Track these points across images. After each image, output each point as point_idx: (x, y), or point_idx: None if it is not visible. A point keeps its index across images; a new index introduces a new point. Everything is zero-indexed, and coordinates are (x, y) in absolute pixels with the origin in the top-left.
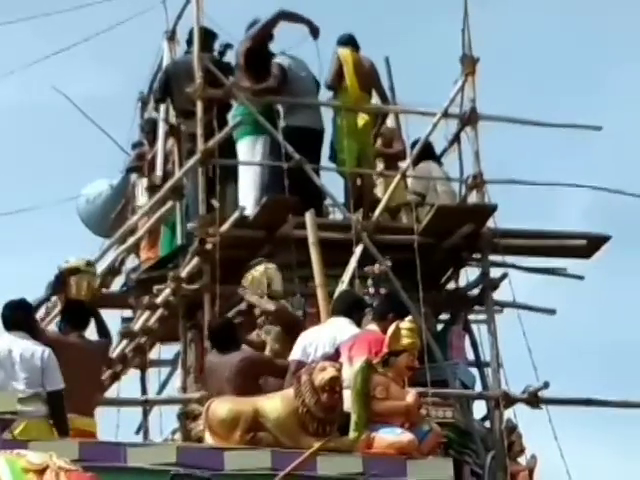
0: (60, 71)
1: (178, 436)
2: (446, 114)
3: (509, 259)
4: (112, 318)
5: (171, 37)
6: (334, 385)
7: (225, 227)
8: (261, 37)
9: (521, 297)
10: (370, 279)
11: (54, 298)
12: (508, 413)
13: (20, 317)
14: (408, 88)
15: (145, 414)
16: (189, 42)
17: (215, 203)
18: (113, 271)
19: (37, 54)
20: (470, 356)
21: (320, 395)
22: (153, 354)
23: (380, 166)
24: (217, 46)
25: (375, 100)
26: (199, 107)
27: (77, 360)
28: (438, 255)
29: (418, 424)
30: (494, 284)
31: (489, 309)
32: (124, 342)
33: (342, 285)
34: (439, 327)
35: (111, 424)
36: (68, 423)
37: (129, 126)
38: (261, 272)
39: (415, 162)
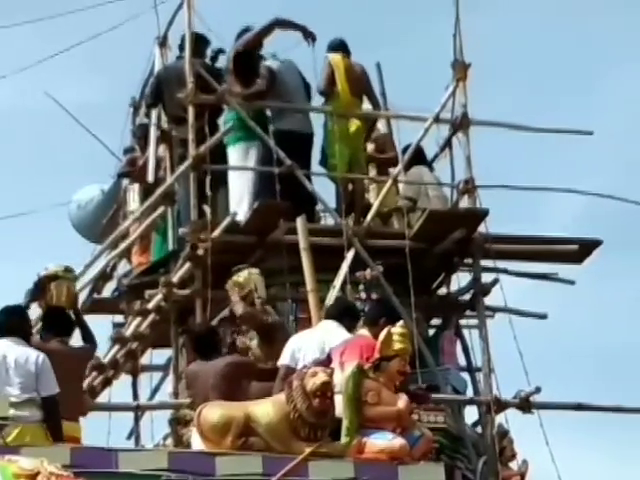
0: (52, 76)
1: (170, 441)
2: (437, 119)
3: (500, 264)
4: (104, 323)
5: (163, 42)
6: (326, 390)
7: (216, 232)
8: (253, 43)
9: (512, 302)
10: (362, 284)
11: (34, 305)
12: (500, 418)
13: (15, 323)
14: (399, 93)
15: (137, 419)
16: (181, 47)
17: (206, 208)
18: (105, 276)
19: (29, 59)
20: (461, 361)
21: (312, 400)
22: (145, 359)
23: (373, 172)
24: (209, 52)
25: (366, 105)
26: (190, 113)
27: (59, 366)
28: (429, 260)
29: (409, 429)
30: (485, 289)
31: (480, 314)
32: (116, 347)
33: (333, 290)
34: (430, 332)
35: (102, 429)
36: (63, 428)
37: (121, 131)
38: (245, 277)
39: (406, 167)
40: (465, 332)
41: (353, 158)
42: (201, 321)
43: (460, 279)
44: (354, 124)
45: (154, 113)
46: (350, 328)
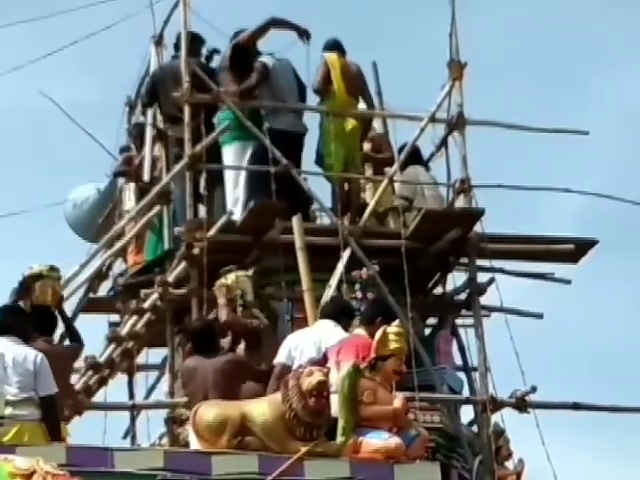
0: (47, 75)
1: (165, 441)
2: (433, 119)
3: (496, 264)
4: (99, 322)
5: (158, 42)
6: (321, 390)
7: (212, 232)
8: (247, 41)
9: (508, 301)
10: (357, 284)
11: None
12: (495, 417)
13: (12, 322)
14: (395, 93)
15: (132, 419)
16: (177, 46)
17: (202, 208)
18: (100, 276)
19: (23, 58)
20: (457, 360)
21: (307, 400)
22: (140, 359)
23: (369, 171)
24: (204, 51)
25: (362, 105)
26: (186, 112)
27: None
28: (425, 260)
29: (405, 429)
30: (481, 289)
31: (476, 314)
32: (111, 347)
33: (329, 290)
34: (427, 332)
35: (98, 429)
36: (61, 428)
37: (116, 130)
38: (233, 280)
39: (402, 167)
40: (461, 331)
41: (349, 157)
42: (198, 317)
43: (456, 279)
44: (350, 123)
45: (150, 112)
46: (346, 327)
